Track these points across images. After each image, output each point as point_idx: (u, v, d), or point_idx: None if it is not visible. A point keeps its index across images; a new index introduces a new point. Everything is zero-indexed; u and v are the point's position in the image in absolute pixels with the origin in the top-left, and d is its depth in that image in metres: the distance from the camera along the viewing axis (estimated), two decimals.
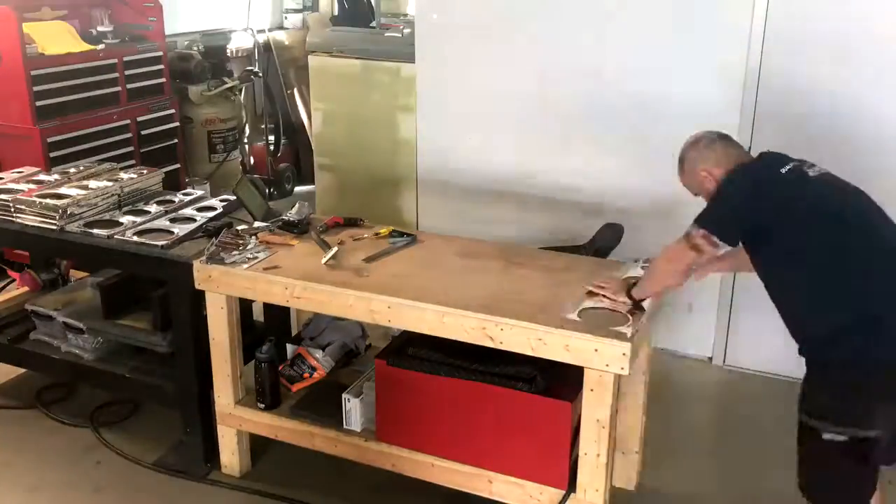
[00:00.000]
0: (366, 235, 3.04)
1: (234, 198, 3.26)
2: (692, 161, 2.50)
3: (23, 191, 3.30)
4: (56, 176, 3.53)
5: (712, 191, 2.42)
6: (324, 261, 2.79)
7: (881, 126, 3.44)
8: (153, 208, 3.29)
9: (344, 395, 2.82)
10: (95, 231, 3.04)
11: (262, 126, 6.29)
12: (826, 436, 2.16)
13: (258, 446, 3.15)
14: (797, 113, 3.55)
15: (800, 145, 3.58)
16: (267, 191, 5.96)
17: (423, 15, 4.28)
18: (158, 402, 3.25)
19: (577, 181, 3.54)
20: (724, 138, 2.52)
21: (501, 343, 2.43)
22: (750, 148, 3.63)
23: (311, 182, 5.27)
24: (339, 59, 4.89)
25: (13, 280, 4.18)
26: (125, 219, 3.17)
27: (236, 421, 3.00)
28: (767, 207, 2.28)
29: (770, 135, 3.61)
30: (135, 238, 2.98)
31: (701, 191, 2.50)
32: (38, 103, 4.31)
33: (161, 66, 5.03)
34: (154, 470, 3.13)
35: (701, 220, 2.33)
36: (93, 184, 3.37)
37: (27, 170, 3.67)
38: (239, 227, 3.02)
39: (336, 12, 7.15)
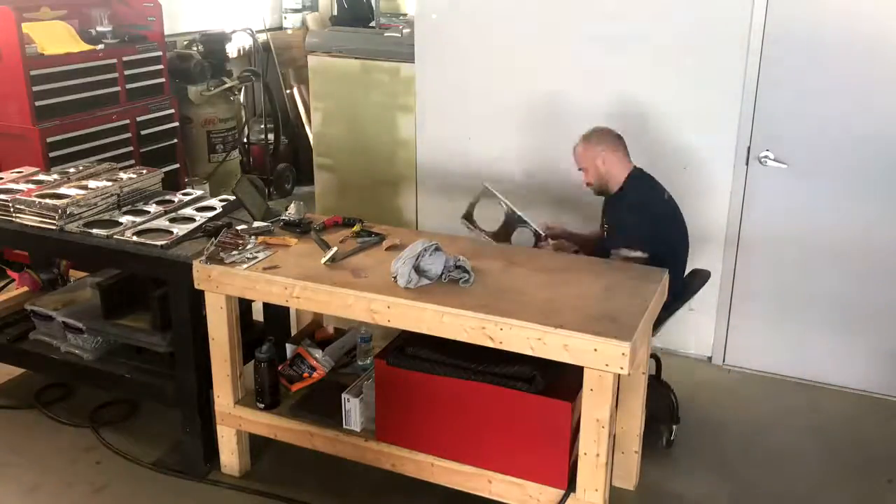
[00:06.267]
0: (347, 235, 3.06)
1: (234, 198, 3.26)
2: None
3: (22, 191, 3.30)
4: (55, 176, 3.52)
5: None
6: (323, 261, 2.79)
7: (882, 123, 3.45)
8: (153, 208, 3.29)
9: (344, 395, 2.82)
10: (95, 231, 3.04)
11: (262, 126, 6.29)
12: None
13: (258, 446, 3.15)
14: (798, 114, 3.55)
15: (799, 145, 3.61)
16: (266, 191, 5.96)
17: (423, 15, 4.28)
18: (158, 402, 3.25)
19: (577, 181, 3.55)
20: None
21: (501, 343, 2.43)
22: (749, 148, 3.65)
23: (311, 182, 5.27)
24: (338, 59, 4.89)
25: (13, 280, 4.18)
26: (124, 219, 3.16)
27: (236, 421, 3.00)
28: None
29: (770, 135, 3.61)
30: (134, 238, 2.98)
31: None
32: (38, 103, 4.31)
33: (160, 66, 5.03)
34: (154, 470, 3.13)
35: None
36: (92, 184, 3.36)
37: (26, 170, 3.67)
38: (238, 227, 3.02)
39: (336, 12, 7.17)
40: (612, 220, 3.24)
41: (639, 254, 3.01)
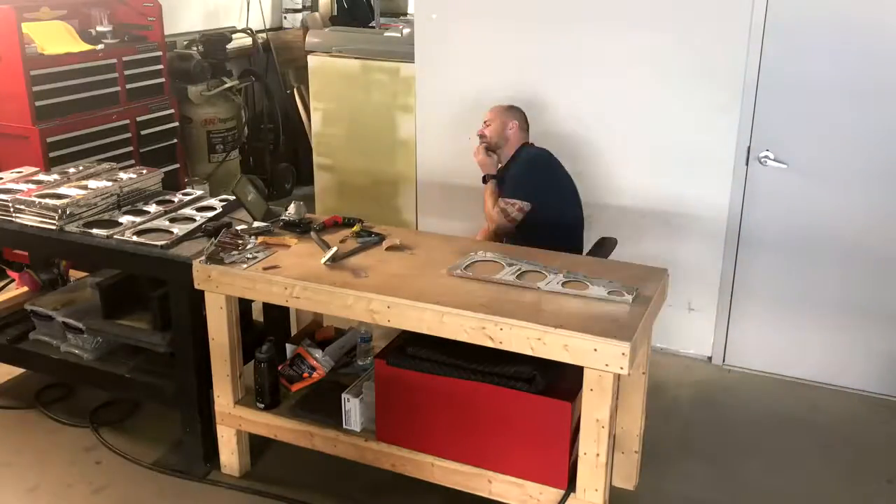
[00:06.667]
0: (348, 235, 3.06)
1: (234, 198, 3.26)
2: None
3: (22, 191, 3.30)
4: (55, 176, 3.52)
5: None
6: (323, 261, 2.79)
7: (882, 123, 3.45)
8: (152, 208, 3.29)
9: (344, 395, 2.82)
10: (95, 231, 3.04)
11: (262, 126, 6.29)
12: None
13: (258, 446, 3.15)
14: (798, 114, 3.55)
15: (799, 145, 3.61)
16: (266, 191, 5.96)
17: (423, 15, 4.28)
18: (158, 402, 3.25)
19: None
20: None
21: (501, 343, 2.43)
22: (749, 148, 3.66)
23: (311, 182, 5.27)
24: (338, 59, 4.89)
25: (13, 280, 4.18)
26: (124, 219, 3.17)
27: (236, 421, 3.01)
28: None
29: (770, 135, 3.61)
30: (134, 238, 2.98)
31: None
32: (38, 103, 4.30)
33: (160, 66, 5.03)
34: (154, 470, 3.13)
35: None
36: (92, 184, 3.36)
37: (26, 170, 3.67)
38: (238, 227, 3.02)
39: (336, 12, 7.18)
40: (505, 177, 3.58)
41: (524, 203, 3.43)
